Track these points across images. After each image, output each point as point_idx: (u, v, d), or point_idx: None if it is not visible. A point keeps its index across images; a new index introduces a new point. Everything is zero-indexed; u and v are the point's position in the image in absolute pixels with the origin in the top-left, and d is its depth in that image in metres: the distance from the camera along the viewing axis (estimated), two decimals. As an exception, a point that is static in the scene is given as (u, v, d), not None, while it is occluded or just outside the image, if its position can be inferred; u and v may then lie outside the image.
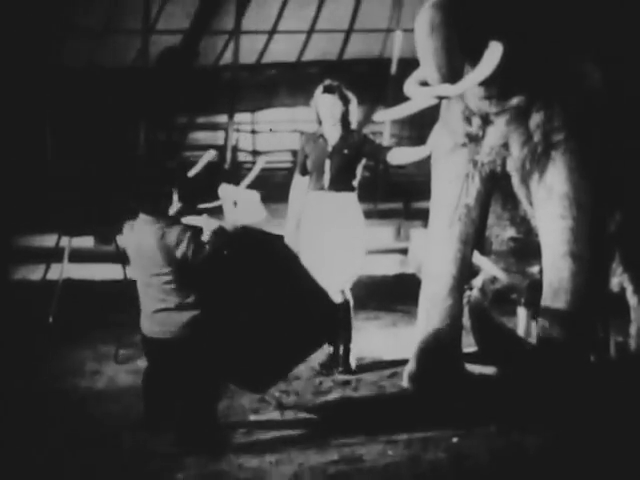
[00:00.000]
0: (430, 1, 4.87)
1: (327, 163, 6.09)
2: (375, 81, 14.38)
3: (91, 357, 6.54)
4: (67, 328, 7.27)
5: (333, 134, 6.13)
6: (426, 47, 4.85)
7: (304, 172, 6.25)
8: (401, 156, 6.13)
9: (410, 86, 5.20)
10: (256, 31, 15.20)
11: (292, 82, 15.40)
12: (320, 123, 6.20)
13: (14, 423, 5.16)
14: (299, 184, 6.30)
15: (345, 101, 6.12)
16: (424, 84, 5.08)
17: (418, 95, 5.12)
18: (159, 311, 4.89)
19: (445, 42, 4.79)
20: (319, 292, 5.22)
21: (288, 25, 15.40)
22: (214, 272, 4.96)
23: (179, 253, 4.79)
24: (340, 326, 5.75)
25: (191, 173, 5.53)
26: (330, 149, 6.11)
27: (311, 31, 15.62)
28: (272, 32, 15.45)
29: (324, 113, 6.12)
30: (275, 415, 5.26)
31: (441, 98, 5.09)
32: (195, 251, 4.77)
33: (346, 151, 6.09)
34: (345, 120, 6.15)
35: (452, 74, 4.87)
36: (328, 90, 6.11)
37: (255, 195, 5.14)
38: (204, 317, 4.87)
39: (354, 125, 6.20)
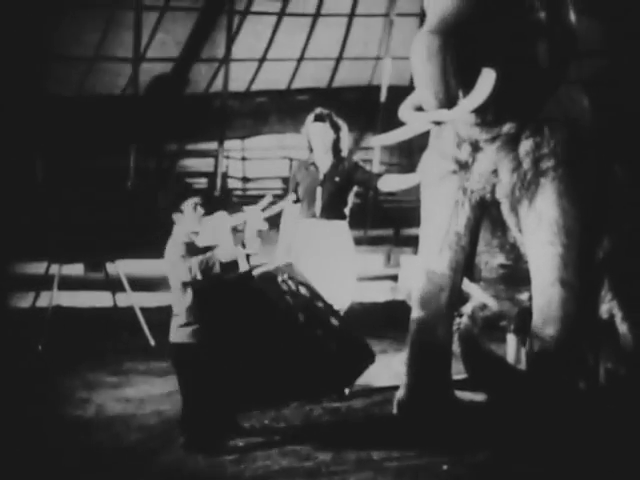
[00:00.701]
0: (428, 26, 4.87)
1: (319, 191, 6.12)
2: (365, 108, 14.42)
3: (80, 385, 6.51)
4: (57, 356, 7.25)
5: (324, 162, 6.16)
6: (423, 72, 4.83)
7: (296, 200, 6.27)
8: (391, 183, 6.15)
9: (405, 111, 5.18)
10: (246, 59, 15.23)
11: (282, 109, 15.43)
12: (311, 151, 6.23)
13: (4, 451, 5.13)
14: (290, 211, 6.31)
15: (336, 129, 6.15)
16: (419, 109, 5.07)
17: (414, 120, 5.11)
18: None
19: (443, 67, 4.77)
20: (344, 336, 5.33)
21: (278, 53, 15.44)
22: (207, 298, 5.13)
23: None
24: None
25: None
26: (321, 177, 6.14)
27: (301, 59, 15.66)
28: (262, 60, 15.48)
29: (315, 141, 6.15)
30: (264, 442, 5.24)
31: (437, 123, 5.08)
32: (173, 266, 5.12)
33: (337, 179, 6.11)
34: (336, 148, 6.18)
35: (449, 99, 4.85)
36: (319, 118, 6.14)
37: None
38: (189, 328, 5.09)
39: (345, 152, 6.23)
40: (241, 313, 5.19)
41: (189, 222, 5.20)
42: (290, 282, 5.40)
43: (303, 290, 5.42)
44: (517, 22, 5.01)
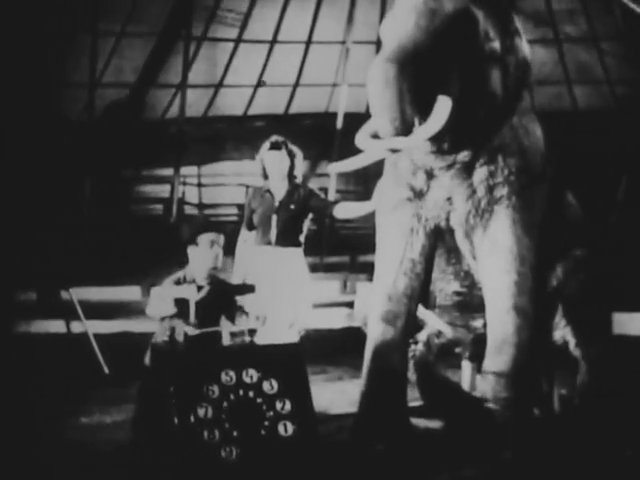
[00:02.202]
0: (384, 54, 4.90)
1: (274, 218, 6.11)
2: (321, 135, 14.48)
3: (34, 413, 6.43)
4: (10, 384, 7.17)
5: (280, 189, 6.16)
6: (380, 100, 4.85)
7: (251, 227, 6.26)
8: (347, 211, 6.16)
9: (362, 138, 5.18)
10: (202, 85, 15.27)
11: (238, 136, 15.44)
12: (266, 178, 6.23)
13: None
14: (246, 239, 6.31)
15: (291, 156, 6.16)
16: (375, 136, 5.08)
17: (371, 147, 5.12)
18: None
19: (399, 96, 4.79)
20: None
21: (234, 79, 15.49)
22: None
23: None
24: None
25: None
26: (277, 204, 6.14)
27: (257, 85, 15.72)
28: (218, 86, 15.52)
29: (271, 169, 6.15)
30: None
31: (394, 151, 5.08)
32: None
33: (293, 206, 6.12)
34: (291, 175, 6.18)
35: (405, 127, 4.87)
36: (275, 146, 6.14)
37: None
38: None
39: (299, 179, 6.23)
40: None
41: (203, 259, 4.91)
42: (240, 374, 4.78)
43: (250, 374, 4.81)
44: (473, 51, 5.05)
